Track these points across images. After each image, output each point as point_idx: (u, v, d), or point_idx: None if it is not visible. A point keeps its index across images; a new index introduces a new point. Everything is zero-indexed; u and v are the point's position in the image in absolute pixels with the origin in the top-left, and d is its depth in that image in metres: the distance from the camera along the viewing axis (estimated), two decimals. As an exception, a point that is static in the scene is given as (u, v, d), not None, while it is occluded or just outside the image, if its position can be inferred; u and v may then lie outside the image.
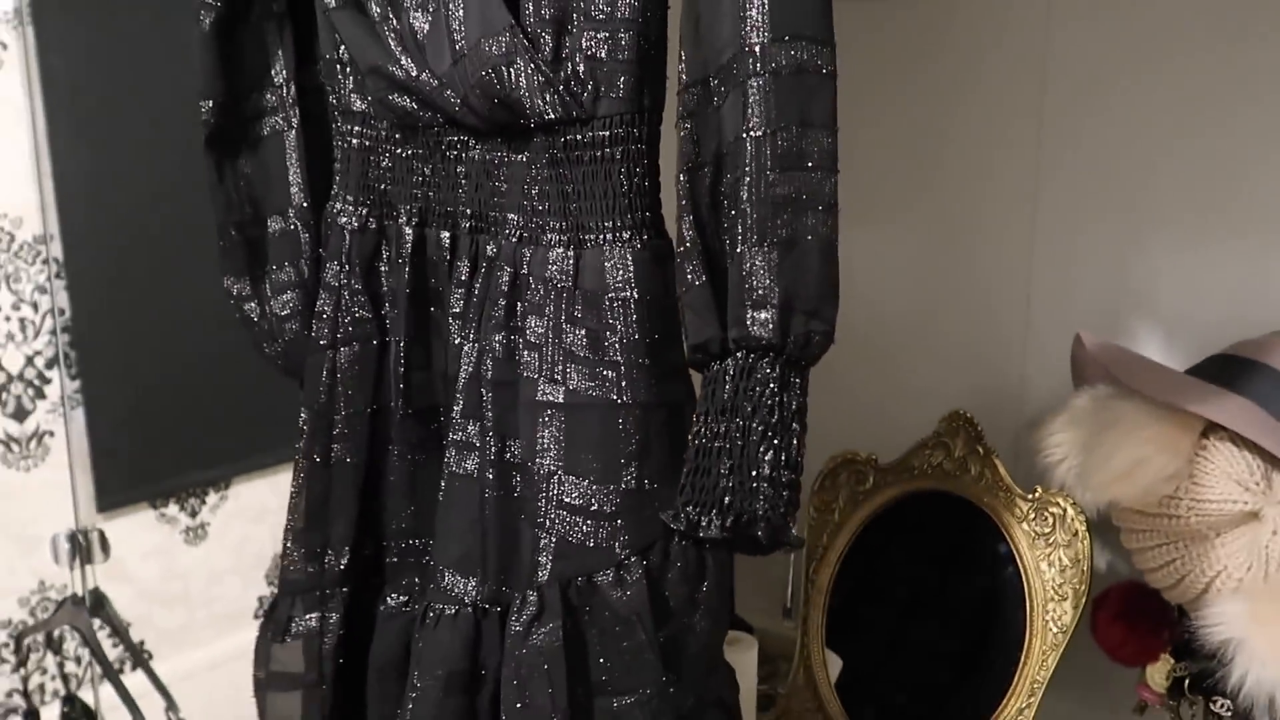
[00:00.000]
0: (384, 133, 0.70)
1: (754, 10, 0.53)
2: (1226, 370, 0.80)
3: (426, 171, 0.69)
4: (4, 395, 1.13)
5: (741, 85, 0.54)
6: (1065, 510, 0.89)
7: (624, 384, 0.61)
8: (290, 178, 0.74)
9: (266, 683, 0.76)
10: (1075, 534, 0.88)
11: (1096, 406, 0.82)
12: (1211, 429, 0.77)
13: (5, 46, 1.08)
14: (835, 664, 0.99)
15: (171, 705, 0.93)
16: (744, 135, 0.55)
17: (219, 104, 0.73)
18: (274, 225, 0.77)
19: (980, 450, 0.94)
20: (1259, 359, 0.80)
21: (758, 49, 0.54)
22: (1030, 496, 0.91)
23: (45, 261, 1.14)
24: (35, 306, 1.14)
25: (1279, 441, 0.73)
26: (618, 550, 0.62)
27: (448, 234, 0.69)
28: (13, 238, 1.12)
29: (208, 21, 0.71)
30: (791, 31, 0.53)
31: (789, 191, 0.55)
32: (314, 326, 0.73)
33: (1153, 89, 0.95)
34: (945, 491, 0.96)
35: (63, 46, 1.08)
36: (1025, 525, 0.91)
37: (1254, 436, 0.73)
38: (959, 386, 1.04)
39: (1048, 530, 0.90)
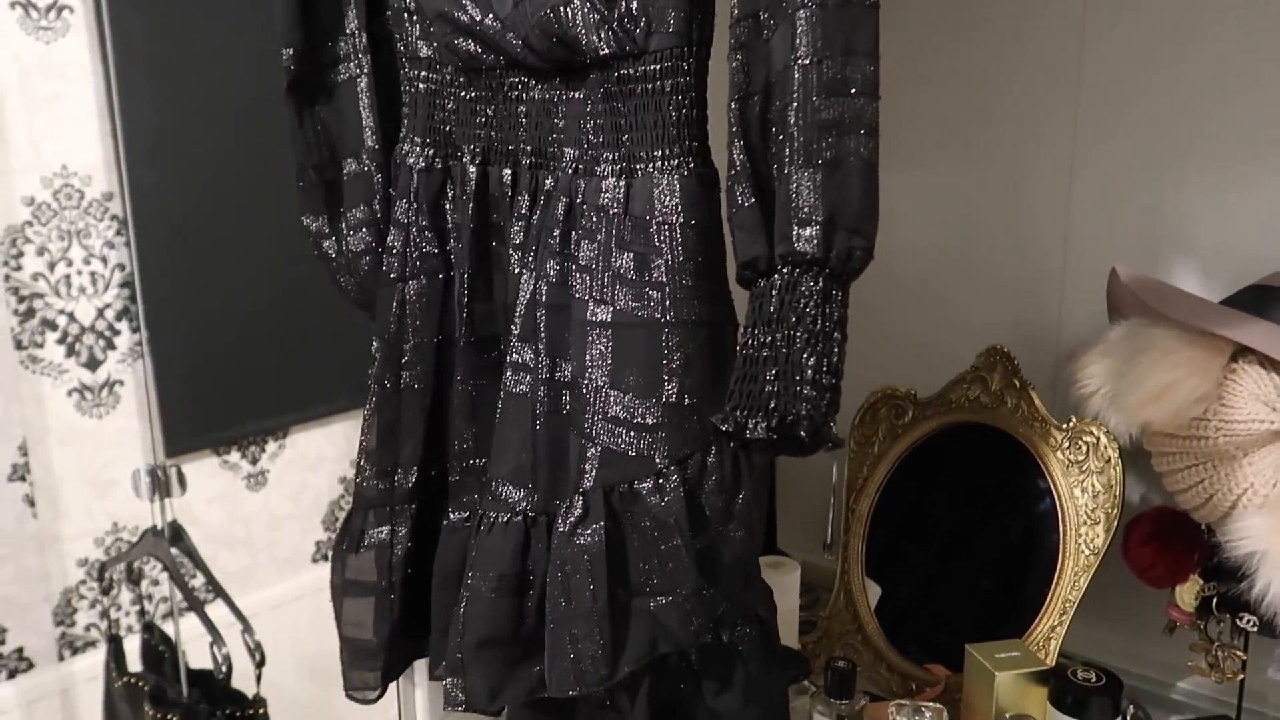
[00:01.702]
0: (449, 76, 0.77)
1: None
2: (1258, 299, 0.85)
3: (489, 112, 0.76)
4: (78, 345, 1.22)
5: (790, 17, 0.60)
6: (1099, 438, 0.94)
7: (668, 303, 0.66)
8: (364, 122, 0.82)
9: (342, 589, 0.84)
10: (1108, 460, 0.93)
11: (1130, 334, 0.87)
12: (1240, 353, 0.82)
13: (72, 10, 1.16)
14: (874, 591, 1.05)
15: (247, 628, 1.02)
16: (792, 63, 0.60)
17: (298, 52, 0.80)
18: (349, 166, 0.84)
19: (1017, 384, 1.00)
20: (1289, 285, 0.84)
21: None
22: (1065, 426, 0.97)
23: (113, 218, 1.23)
24: (105, 261, 1.23)
25: (1305, 361, 0.78)
26: (658, 460, 0.67)
27: (509, 171, 0.76)
28: (82, 195, 1.20)
29: None
30: None
31: (834, 115, 0.60)
32: (384, 261, 0.80)
33: (1190, 31, 0.98)
34: (982, 424, 1.01)
35: (135, 7, 1.16)
36: (1060, 454, 0.97)
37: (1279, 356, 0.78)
38: (998, 322, 1.09)
39: (1081, 458, 0.95)
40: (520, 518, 0.73)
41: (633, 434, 0.67)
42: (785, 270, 0.62)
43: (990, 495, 1.04)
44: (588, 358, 0.68)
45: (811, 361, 0.60)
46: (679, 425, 0.67)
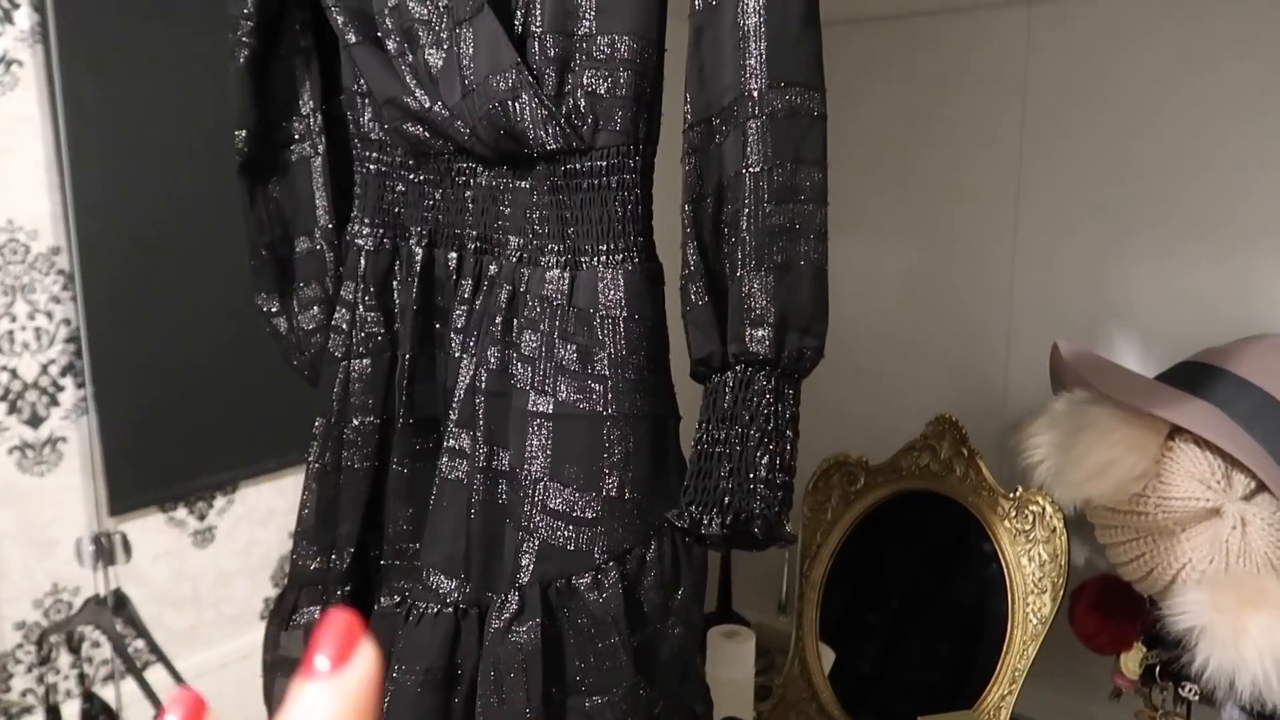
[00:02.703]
0: (399, 159, 0.79)
1: (752, 59, 0.61)
2: (1192, 376, 0.89)
3: (437, 196, 0.77)
4: (19, 402, 1.21)
5: (741, 126, 0.62)
6: (1044, 508, 0.97)
7: (610, 396, 0.67)
8: (317, 200, 0.83)
9: (273, 666, 0.84)
10: (1054, 530, 0.96)
11: (1072, 409, 0.91)
12: (1176, 431, 0.86)
13: (21, 64, 1.16)
14: (828, 656, 1.07)
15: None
16: (743, 171, 0.62)
17: (252, 133, 0.81)
18: (301, 245, 0.85)
19: (965, 452, 1.03)
20: (1222, 365, 0.88)
21: (756, 94, 0.61)
22: (1012, 495, 1.00)
23: (59, 272, 1.22)
24: (50, 316, 1.22)
25: (1237, 443, 0.81)
26: (597, 555, 0.67)
27: (454, 254, 0.77)
28: (28, 249, 1.20)
29: (243, 57, 0.79)
30: (786, 79, 0.61)
31: (784, 221, 0.62)
32: (330, 340, 0.81)
33: (1127, 107, 1.03)
34: (932, 491, 1.04)
35: (84, 63, 1.17)
36: (1007, 523, 0.99)
37: (1212, 438, 0.82)
38: (946, 391, 1.13)
39: (1028, 527, 0.98)
40: (450, 609, 0.73)
41: (572, 528, 0.68)
42: (739, 368, 0.64)
43: (941, 562, 1.07)
44: (527, 449, 0.69)
45: (765, 460, 0.62)
46: (619, 520, 0.68)
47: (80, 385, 1.23)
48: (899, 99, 1.16)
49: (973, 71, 1.12)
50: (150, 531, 1.29)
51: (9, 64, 1.15)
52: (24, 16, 1.15)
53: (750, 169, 0.62)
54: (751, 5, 0.61)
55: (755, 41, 0.61)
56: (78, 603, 1.22)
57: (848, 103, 1.15)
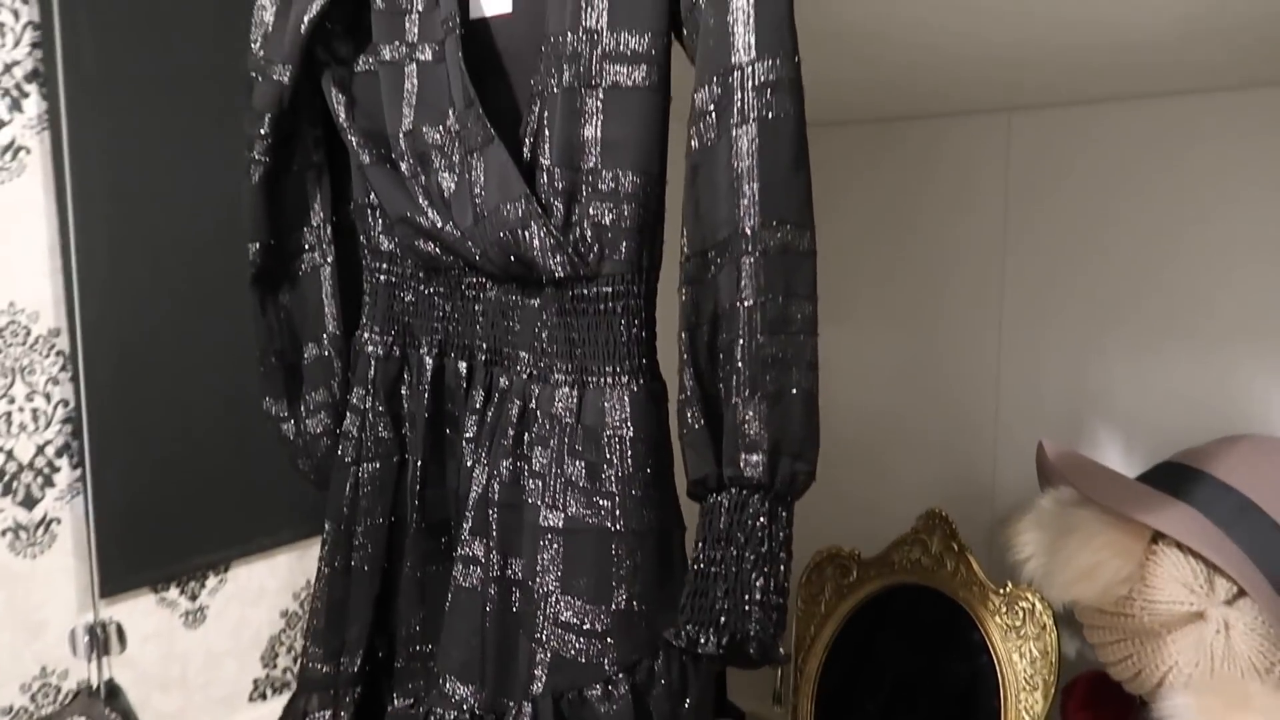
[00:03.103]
0: (409, 270, 0.82)
1: (746, 199, 0.65)
2: (1174, 478, 0.93)
3: (447, 308, 0.81)
4: (15, 484, 1.22)
5: (736, 260, 0.65)
6: (1034, 605, 1.00)
7: (618, 512, 0.70)
8: (326, 309, 0.86)
9: (284, 772, 0.85)
10: (1044, 627, 0.99)
11: (1058, 510, 0.94)
12: (1160, 535, 0.89)
13: (29, 151, 1.20)
14: (822, 750, 1.09)
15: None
16: (738, 303, 0.66)
17: (264, 246, 0.85)
18: (310, 352, 0.88)
19: (955, 547, 1.06)
20: (1202, 467, 0.92)
21: (749, 231, 0.65)
22: (1002, 591, 1.02)
23: (58, 354, 1.24)
24: (48, 397, 1.24)
25: (1217, 549, 0.85)
26: (607, 667, 0.70)
27: (465, 364, 0.80)
28: (29, 331, 1.22)
29: (258, 175, 0.83)
30: (778, 217, 0.64)
31: (776, 351, 0.65)
32: (340, 444, 0.84)
33: (1105, 208, 1.08)
34: (924, 585, 1.07)
35: (93, 151, 1.20)
36: (998, 618, 1.02)
37: (1193, 544, 0.85)
38: (936, 483, 1.16)
39: (1019, 624, 1.01)
40: (467, 716, 0.75)
41: (582, 640, 0.71)
42: (734, 491, 0.67)
43: (934, 657, 1.09)
44: (539, 561, 0.72)
45: (759, 583, 0.65)
46: (628, 632, 0.71)
47: (76, 466, 1.25)
48: (886, 196, 1.21)
49: (957, 171, 1.17)
50: (141, 613, 1.30)
51: (16, 151, 1.18)
52: (33, 105, 1.19)
53: (744, 301, 0.65)
54: (745, 147, 0.65)
55: (748, 182, 0.65)
56: (66, 687, 1.22)
57: (837, 198, 1.20)
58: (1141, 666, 0.89)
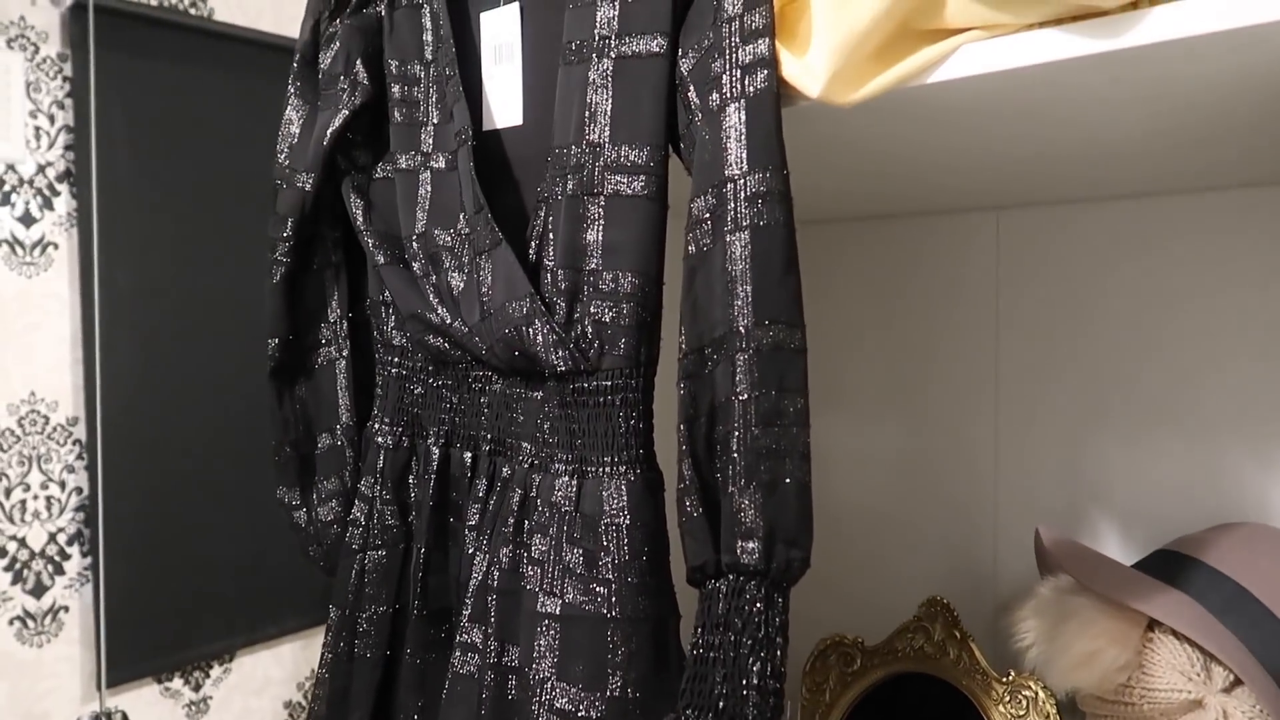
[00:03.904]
0: (418, 364, 0.87)
1: (739, 300, 0.69)
2: (1168, 566, 0.95)
3: (454, 400, 0.86)
4: (25, 572, 1.25)
5: (731, 357, 0.70)
6: (1037, 693, 1.01)
7: (614, 599, 0.73)
8: (340, 400, 0.91)
9: None
10: (1047, 716, 1.00)
11: (1057, 597, 0.96)
12: (1156, 622, 0.91)
13: (56, 247, 1.27)
14: (828, 845, 1.08)
15: None
16: (733, 397, 0.70)
17: (283, 340, 0.90)
18: (323, 442, 0.93)
19: (957, 634, 1.07)
20: (1196, 555, 0.94)
21: (743, 330, 0.69)
22: (1005, 680, 1.04)
23: (75, 442, 1.29)
24: (62, 485, 1.29)
25: (1211, 637, 0.87)
26: None
27: (470, 454, 0.85)
28: (48, 420, 1.28)
29: (279, 275, 0.89)
30: (770, 316, 0.69)
31: (770, 443, 0.69)
32: (348, 532, 0.88)
33: (1094, 302, 1.14)
34: (928, 674, 1.08)
35: (121, 247, 1.28)
36: (1002, 707, 1.03)
37: (1188, 632, 0.87)
38: (937, 570, 1.18)
39: (1022, 713, 1.02)
40: None
41: None
42: (731, 577, 0.70)
43: (938, 747, 1.10)
44: (535, 648, 0.75)
45: (756, 667, 0.67)
46: (623, 718, 0.73)
47: (86, 554, 1.28)
48: (879, 289, 1.27)
49: (948, 265, 1.23)
50: (144, 703, 1.32)
51: (45, 246, 1.26)
52: (63, 203, 1.27)
53: (739, 396, 0.70)
54: (739, 252, 0.70)
55: (742, 285, 0.70)
56: (66, 779, 1.23)
57: (831, 292, 1.26)
58: (1145, 757, 0.90)
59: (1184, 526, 1.01)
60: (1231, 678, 0.88)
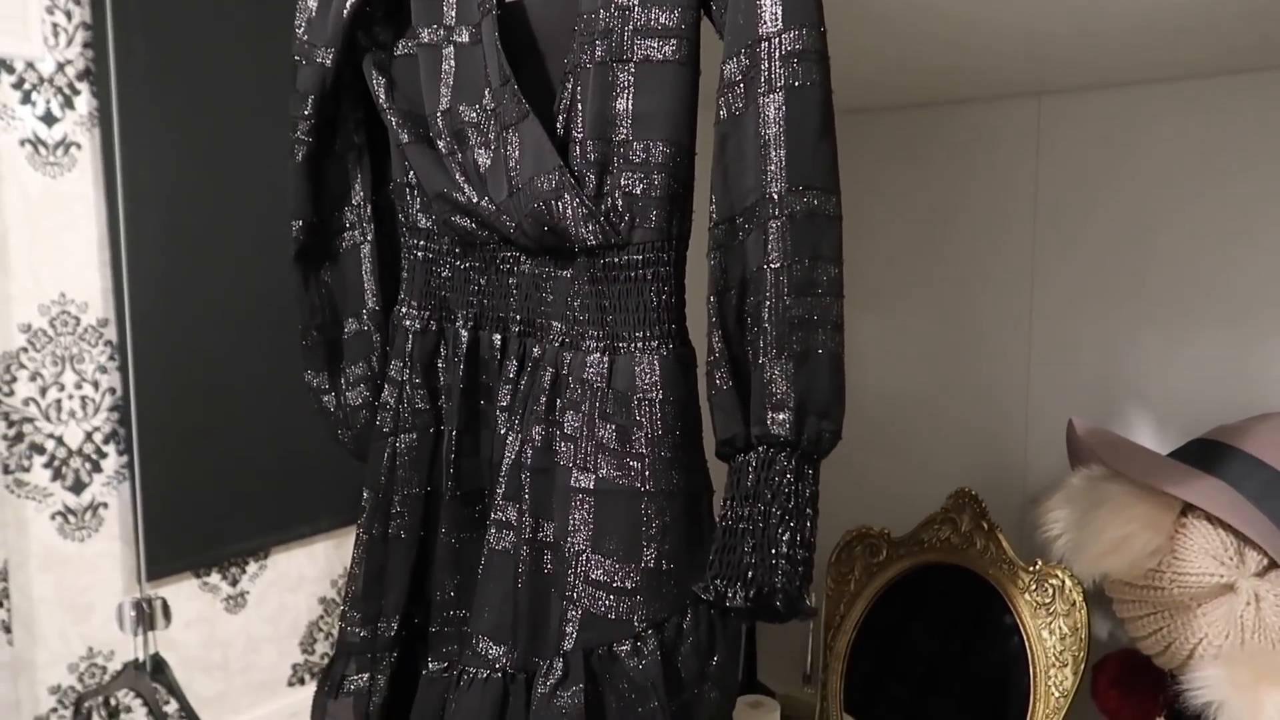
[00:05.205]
0: (445, 247, 0.86)
1: (773, 165, 0.67)
2: (1205, 454, 0.93)
3: (482, 282, 0.84)
4: (64, 469, 1.27)
5: (763, 225, 0.68)
6: (1064, 581, 1.01)
7: (648, 474, 0.73)
8: (365, 285, 0.90)
9: (322, 733, 0.88)
10: (1073, 604, 1.00)
11: (1088, 486, 0.95)
12: (1189, 508, 0.90)
13: (80, 147, 1.25)
14: (852, 728, 1.10)
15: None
16: (765, 266, 0.68)
17: (307, 224, 0.88)
18: (350, 326, 0.92)
19: (985, 525, 1.07)
20: (1233, 444, 0.92)
21: (776, 196, 0.67)
22: (1031, 569, 1.03)
23: (106, 343, 1.30)
24: (96, 385, 1.29)
25: (1247, 520, 0.85)
26: (636, 624, 0.72)
27: (499, 336, 0.84)
28: (78, 321, 1.28)
29: (301, 155, 0.87)
30: (804, 182, 0.67)
31: (802, 313, 0.67)
32: (379, 416, 0.87)
33: (1135, 191, 1.10)
34: (953, 564, 1.08)
35: (142, 145, 1.26)
36: (1027, 596, 1.03)
37: (1224, 516, 0.86)
38: (966, 464, 1.17)
39: (1048, 600, 1.02)
40: (499, 674, 0.78)
41: (613, 598, 0.73)
42: (761, 449, 0.69)
43: (964, 635, 1.10)
44: (570, 523, 0.75)
45: (785, 537, 0.67)
46: (657, 590, 0.73)
47: (122, 453, 1.29)
48: (916, 183, 1.23)
49: (986, 157, 1.19)
50: (184, 597, 1.34)
51: (68, 146, 1.24)
52: (84, 102, 1.24)
53: (771, 265, 0.68)
54: (772, 115, 0.67)
55: (775, 149, 0.67)
56: (112, 667, 1.26)
57: (868, 186, 1.22)
58: (1171, 640, 0.90)
59: (1220, 419, 0.99)
60: (1265, 562, 0.87)
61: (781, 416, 0.68)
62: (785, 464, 0.68)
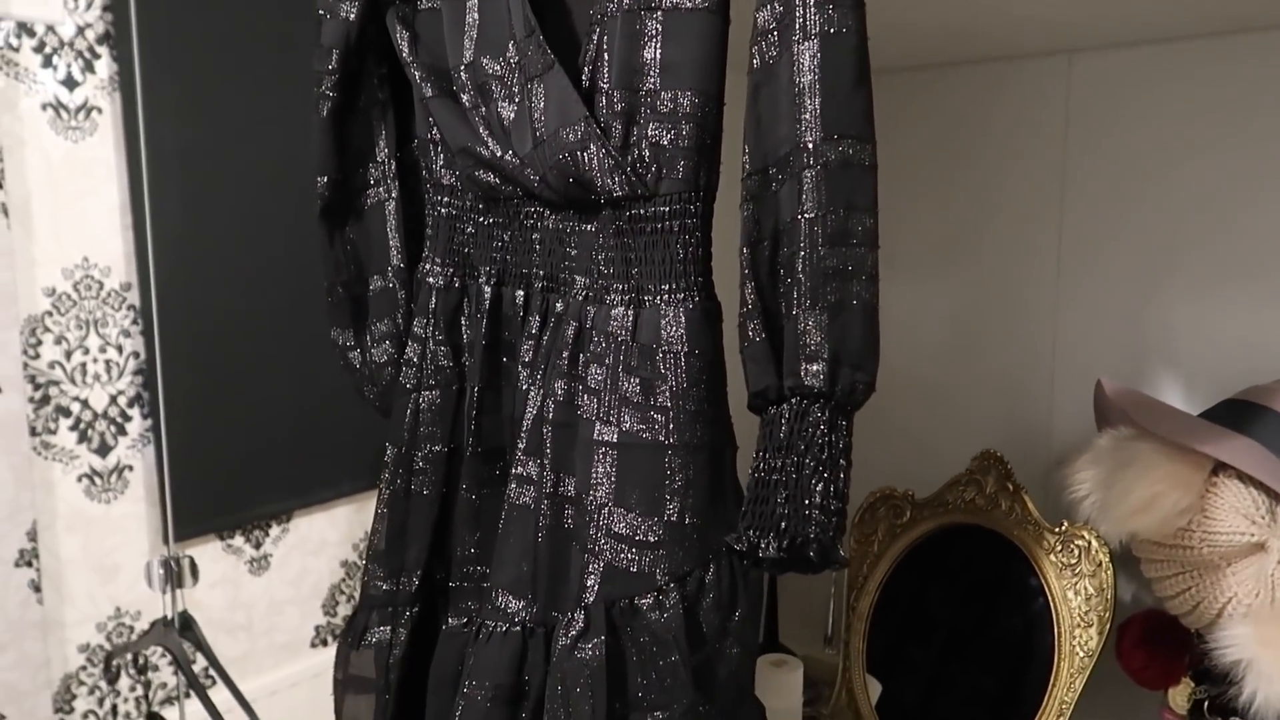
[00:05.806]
0: (469, 203, 0.85)
1: (807, 114, 0.66)
2: (1235, 414, 0.92)
3: (505, 237, 0.83)
4: (90, 432, 1.28)
5: (797, 175, 0.67)
6: (1090, 542, 1.00)
7: (671, 427, 0.72)
8: (390, 242, 0.89)
9: (344, 684, 0.89)
10: (1099, 564, 0.99)
11: (1116, 446, 0.94)
12: (1220, 467, 0.89)
13: (100, 111, 1.25)
14: (875, 687, 1.10)
15: (253, 717, 1.06)
16: (799, 216, 0.67)
17: (332, 180, 0.88)
18: (375, 284, 0.91)
19: (1010, 487, 1.06)
20: (1265, 404, 0.91)
21: (810, 145, 0.66)
22: (1057, 530, 1.03)
23: (130, 308, 1.30)
24: (120, 349, 1.30)
25: (1279, 477, 0.84)
26: (658, 577, 0.71)
27: (522, 292, 0.83)
28: (101, 285, 1.28)
29: (325, 110, 0.86)
30: (839, 131, 0.66)
31: (836, 264, 0.67)
32: (402, 372, 0.87)
33: (1167, 150, 1.07)
34: (978, 525, 1.07)
35: (164, 109, 1.26)
36: (1053, 557, 1.02)
37: (1256, 474, 0.85)
38: (991, 426, 1.16)
39: (1074, 561, 1.01)
40: (519, 628, 0.77)
41: (635, 551, 0.72)
42: (794, 401, 0.68)
43: (988, 595, 1.09)
44: (593, 476, 0.74)
45: (819, 487, 0.66)
46: (679, 543, 0.73)
47: (147, 416, 1.30)
48: (942, 143, 1.22)
49: (1014, 117, 1.17)
50: (208, 558, 1.35)
51: (89, 111, 1.24)
52: (104, 66, 1.24)
53: (805, 215, 0.67)
54: (807, 64, 0.66)
55: (810, 97, 0.66)
56: (139, 627, 1.28)
57: (893, 147, 1.20)
58: (1200, 599, 0.89)
59: (1249, 380, 0.98)
60: (1296, 520, 0.85)
61: (815, 368, 0.67)
62: (819, 415, 0.68)
